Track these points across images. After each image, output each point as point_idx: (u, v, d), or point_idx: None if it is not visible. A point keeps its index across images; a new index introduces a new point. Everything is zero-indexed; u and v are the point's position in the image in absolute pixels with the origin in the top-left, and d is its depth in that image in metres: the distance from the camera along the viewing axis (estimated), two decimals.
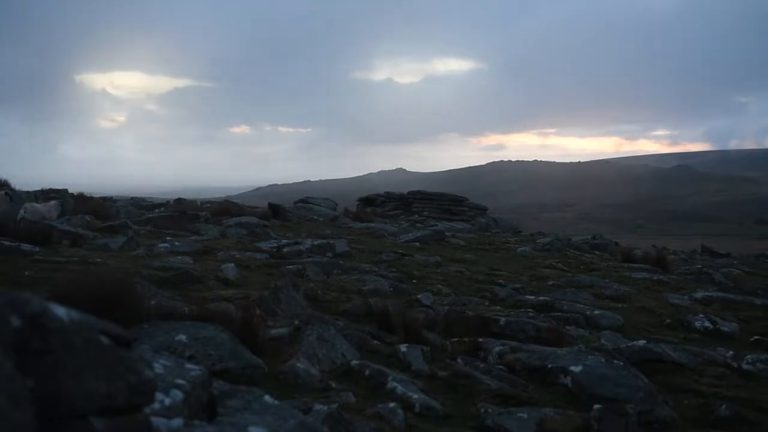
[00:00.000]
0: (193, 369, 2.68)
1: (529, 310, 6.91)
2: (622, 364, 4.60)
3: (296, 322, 4.79)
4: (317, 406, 3.09)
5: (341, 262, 9.21)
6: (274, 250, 9.70)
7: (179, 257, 8.08)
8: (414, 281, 8.52)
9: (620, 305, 8.06)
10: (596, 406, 3.65)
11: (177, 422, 2.23)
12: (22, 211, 10.92)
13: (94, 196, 17.16)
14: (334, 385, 3.86)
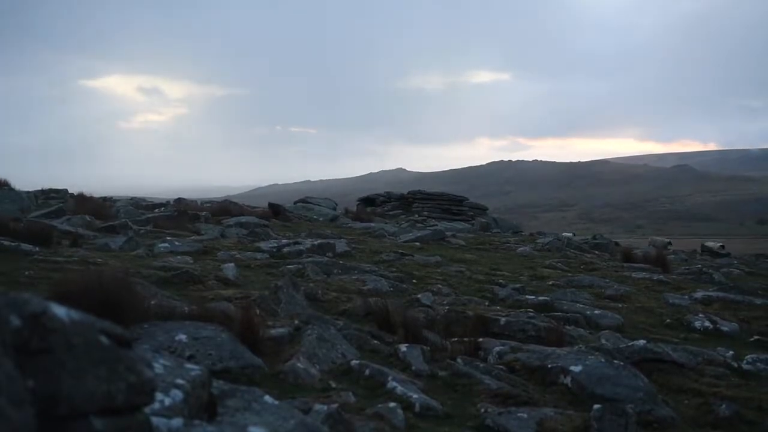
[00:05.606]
0: (193, 369, 2.68)
1: (529, 310, 6.90)
2: (622, 364, 4.60)
3: (296, 322, 4.79)
4: (317, 406, 3.09)
5: (341, 262, 9.21)
6: (274, 250, 9.70)
7: (179, 257, 8.08)
8: (414, 281, 8.51)
9: (620, 305, 8.06)
10: (596, 406, 3.65)
11: (177, 422, 2.23)
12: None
13: (94, 196, 17.16)
14: (334, 384, 3.86)
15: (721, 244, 22.02)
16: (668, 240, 24.87)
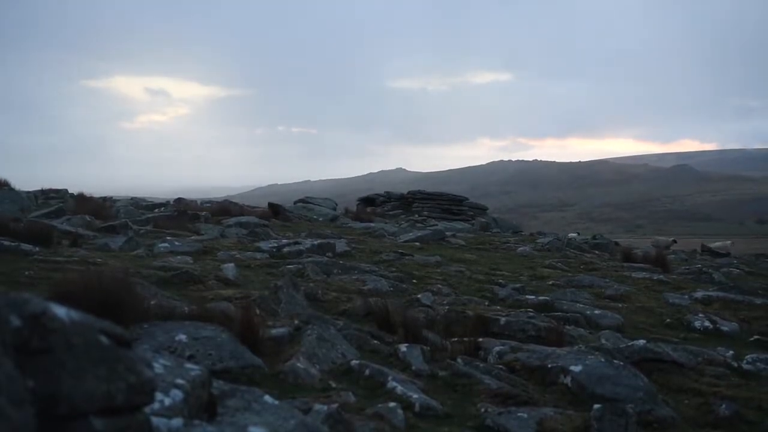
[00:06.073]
0: (193, 369, 2.68)
1: (529, 309, 6.90)
2: (622, 363, 4.60)
3: (296, 322, 4.79)
4: (317, 406, 3.09)
5: (341, 261, 9.21)
6: (274, 249, 9.70)
7: (179, 257, 8.08)
8: (414, 281, 8.51)
9: (620, 305, 8.06)
10: (596, 406, 3.65)
11: (177, 422, 2.23)
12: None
13: (94, 196, 17.16)
14: (334, 384, 3.86)
15: (730, 241, 21.98)
16: (672, 239, 24.55)
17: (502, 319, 5.85)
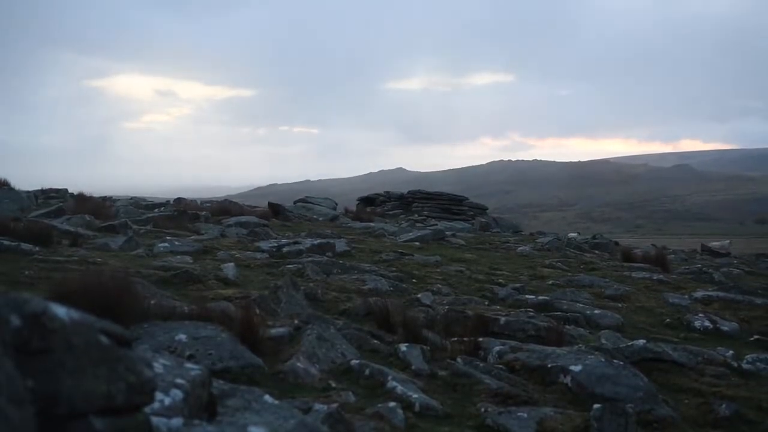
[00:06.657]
0: (193, 368, 2.68)
1: (529, 309, 6.90)
2: (621, 363, 4.60)
3: (296, 322, 4.80)
4: (317, 406, 3.09)
5: (341, 261, 9.20)
6: (274, 249, 9.70)
7: (179, 257, 8.08)
8: (414, 281, 8.51)
9: (620, 305, 8.06)
10: (596, 406, 3.65)
11: (177, 422, 2.23)
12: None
13: (94, 195, 17.15)
14: (333, 384, 3.86)
15: (728, 240, 21.66)
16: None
17: (502, 319, 5.85)
